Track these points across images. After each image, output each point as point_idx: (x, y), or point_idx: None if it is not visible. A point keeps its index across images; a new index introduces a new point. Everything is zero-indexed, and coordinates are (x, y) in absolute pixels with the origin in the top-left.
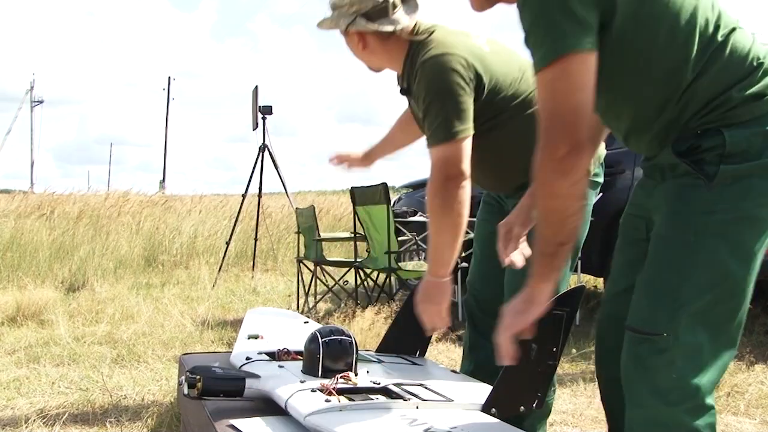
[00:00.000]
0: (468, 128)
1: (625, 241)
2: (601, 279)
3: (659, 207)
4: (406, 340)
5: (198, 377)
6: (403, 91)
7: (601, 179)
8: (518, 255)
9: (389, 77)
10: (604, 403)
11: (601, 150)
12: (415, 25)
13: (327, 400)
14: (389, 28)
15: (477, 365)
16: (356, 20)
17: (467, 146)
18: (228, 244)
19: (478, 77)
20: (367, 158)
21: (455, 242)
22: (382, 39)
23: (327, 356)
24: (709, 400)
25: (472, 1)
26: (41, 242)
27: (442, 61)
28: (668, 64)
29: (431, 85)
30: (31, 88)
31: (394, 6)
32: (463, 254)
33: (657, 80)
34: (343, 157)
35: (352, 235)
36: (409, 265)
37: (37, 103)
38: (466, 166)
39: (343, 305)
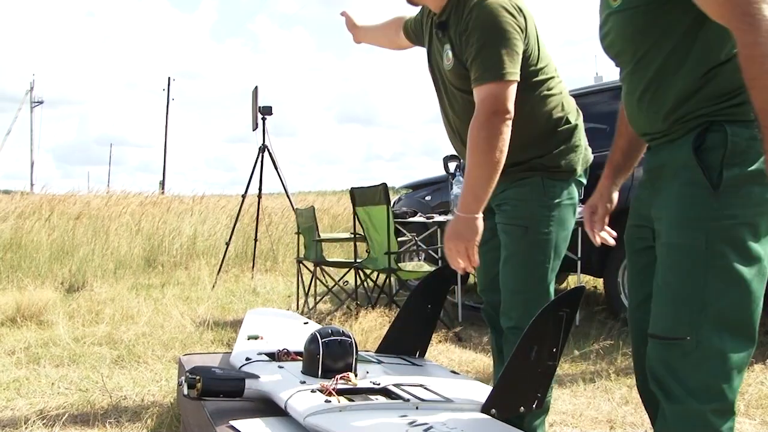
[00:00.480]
0: (517, 72)
1: (633, 251)
2: (601, 279)
3: (664, 214)
4: (406, 341)
5: (198, 378)
6: (439, 25)
7: (584, 181)
8: (607, 234)
9: (388, 77)
10: (646, 407)
11: (589, 155)
12: None
13: (327, 401)
14: None
15: None
16: None
17: (514, 89)
18: (228, 244)
19: (524, 31)
20: (356, 33)
21: (492, 179)
22: None
23: (327, 357)
24: (733, 405)
25: None
26: (41, 243)
27: (499, 3)
28: (713, 37)
29: (488, 25)
30: (31, 88)
31: None
32: None
33: (699, 46)
34: (347, 17)
35: (352, 235)
36: (408, 265)
37: (37, 104)
38: (512, 106)
39: (343, 306)
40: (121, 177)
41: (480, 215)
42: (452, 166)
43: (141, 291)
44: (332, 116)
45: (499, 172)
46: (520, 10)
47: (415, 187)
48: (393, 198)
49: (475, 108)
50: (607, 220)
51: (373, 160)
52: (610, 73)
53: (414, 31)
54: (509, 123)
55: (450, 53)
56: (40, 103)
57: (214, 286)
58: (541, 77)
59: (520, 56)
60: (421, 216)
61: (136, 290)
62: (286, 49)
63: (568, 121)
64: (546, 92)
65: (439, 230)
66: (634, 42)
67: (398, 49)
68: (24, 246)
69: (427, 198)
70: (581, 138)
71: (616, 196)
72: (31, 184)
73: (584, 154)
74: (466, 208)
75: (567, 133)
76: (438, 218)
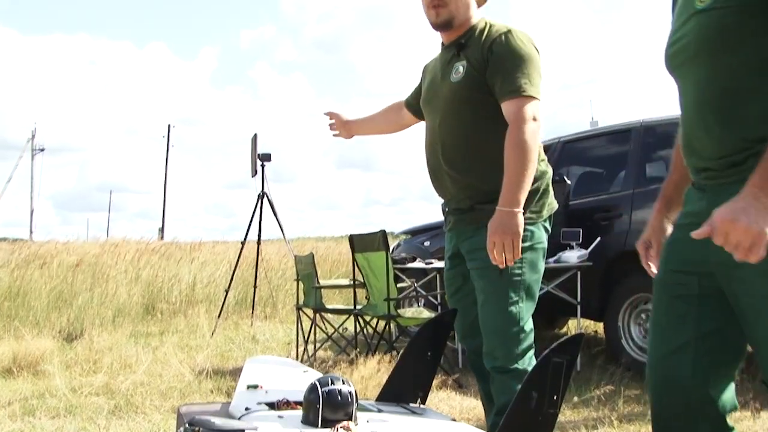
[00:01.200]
0: (541, 94)
1: (671, 296)
2: (602, 324)
3: (731, 262)
4: (406, 388)
5: (197, 429)
6: (458, 45)
7: (549, 227)
8: None
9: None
10: None
11: (554, 204)
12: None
13: None
14: None
15: (499, 413)
16: None
17: (540, 106)
18: (227, 291)
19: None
20: (348, 128)
21: (531, 175)
22: None
23: (326, 406)
24: None
25: None
26: (39, 291)
27: (528, 36)
28: None
29: (523, 50)
30: (33, 136)
31: None
32: None
33: None
34: (333, 115)
35: (352, 282)
36: (408, 311)
37: (38, 152)
38: (540, 116)
39: (343, 353)
40: (120, 223)
41: (521, 210)
42: None
43: (139, 339)
44: (331, 162)
45: (535, 169)
46: (538, 48)
47: (414, 232)
48: (392, 244)
49: (461, 122)
50: None
51: (372, 205)
52: (605, 118)
53: (414, 98)
54: (540, 131)
55: (461, 68)
56: (42, 150)
57: (213, 334)
58: None
59: (542, 82)
60: (420, 262)
61: (134, 338)
62: (285, 95)
63: (539, 165)
64: None
65: (438, 276)
66: (715, 43)
67: (398, 130)
68: (22, 294)
69: (426, 243)
70: (548, 186)
71: (670, 228)
72: (30, 232)
73: (549, 201)
74: (509, 203)
75: (538, 176)
76: (437, 264)
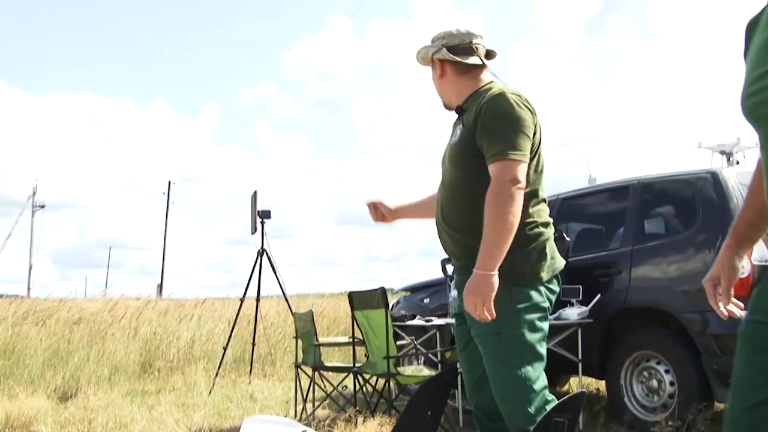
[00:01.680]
0: (527, 155)
1: (754, 349)
2: (603, 381)
3: None
4: None
5: None
6: (457, 109)
7: (555, 288)
8: (734, 307)
9: (386, 179)
10: None
11: (558, 264)
12: (485, 68)
13: None
14: (466, 60)
15: None
16: (441, 50)
17: (525, 168)
18: (225, 349)
19: (534, 125)
20: (393, 215)
21: (507, 240)
22: (458, 72)
23: None
24: None
25: None
26: (35, 349)
27: (521, 96)
28: None
29: (505, 112)
30: (34, 193)
31: (476, 48)
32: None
33: None
34: (378, 205)
35: (351, 339)
36: (408, 369)
37: (38, 208)
38: (523, 178)
39: (342, 411)
40: (119, 280)
41: (495, 273)
42: (450, 268)
43: (136, 397)
44: (330, 218)
45: (513, 233)
46: (532, 108)
47: (413, 289)
48: (391, 301)
49: (456, 182)
50: (732, 291)
51: (371, 261)
52: (603, 175)
53: None
54: (521, 192)
55: (459, 132)
56: (42, 207)
57: (210, 392)
58: (539, 183)
59: (530, 143)
60: (419, 319)
61: (130, 397)
62: (285, 152)
63: (537, 226)
64: (532, 188)
65: (438, 333)
66: None
67: None
68: (17, 352)
69: (426, 301)
70: (548, 247)
71: (740, 266)
72: (28, 288)
73: (551, 262)
74: (483, 266)
75: (533, 238)
76: (437, 321)
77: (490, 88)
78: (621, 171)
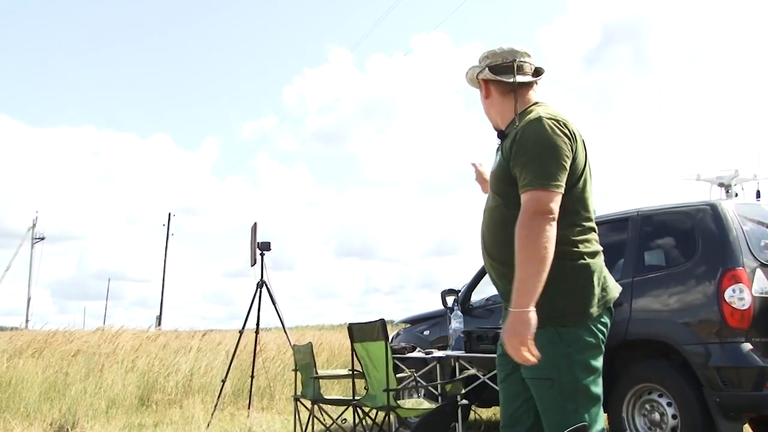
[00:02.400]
0: (562, 184)
1: None
2: (605, 414)
3: None
4: None
5: None
6: (499, 134)
7: (608, 321)
8: None
9: (386, 211)
10: None
11: (612, 294)
12: (531, 87)
13: None
14: (508, 80)
15: None
16: (484, 70)
17: (559, 198)
18: (224, 381)
19: (574, 153)
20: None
21: (540, 274)
22: (502, 92)
23: None
24: None
25: None
26: (32, 381)
27: (559, 122)
28: None
29: (541, 138)
30: (34, 225)
31: (519, 68)
32: (463, 391)
33: None
34: (478, 169)
35: (350, 372)
36: (408, 402)
37: (38, 240)
38: (556, 208)
39: None
40: (118, 312)
41: (532, 308)
42: (450, 300)
43: (133, 431)
44: (330, 250)
45: (547, 268)
46: (570, 133)
47: (413, 321)
48: (391, 333)
49: (495, 211)
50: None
51: (371, 293)
52: (602, 207)
53: None
54: (553, 223)
55: (497, 158)
56: (42, 239)
57: (209, 425)
58: (583, 206)
59: (567, 171)
60: (419, 351)
61: (127, 430)
62: (285, 184)
63: (582, 257)
64: (575, 217)
65: (438, 366)
66: None
67: None
68: (14, 384)
69: (426, 333)
70: (596, 279)
71: None
72: (27, 320)
73: (601, 296)
74: (517, 303)
75: (577, 271)
76: (437, 353)
77: (530, 111)
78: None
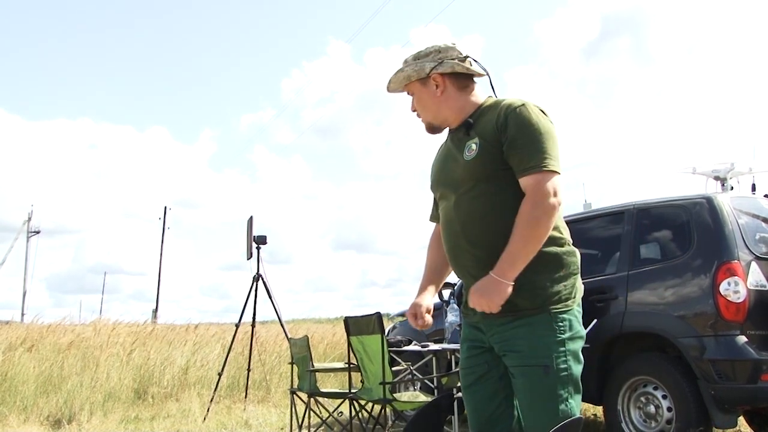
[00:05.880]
0: (561, 168)
1: None
2: (600, 408)
3: None
4: None
5: None
6: (466, 124)
7: (581, 311)
8: None
9: (383, 204)
10: None
11: (581, 286)
12: (475, 84)
13: None
14: (471, 72)
15: None
16: (444, 63)
17: (562, 181)
18: (220, 374)
19: None
20: (426, 300)
21: (532, 253)
22: (460, 87)
23: None
24: None
25: None
26: (28, 375)
27: (538, 108)
28: None
29: (540, 123)
30: (29, 218)
31: (471, 63)
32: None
33: None
34: (419, 315)
35: (347, 365)
36: (404, 396)
37: (33, 234)
38: (561, 191)
39: None
40: (114, 305)
41: (511, 284)
42: (446, 293)
43: (129, 424)
44: (327, 243)
45: (538, 248)
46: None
47: None
48: (387, 326)
49: (483, 197)
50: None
51: (368, 286)
52: (598, 200)
53: (437, 211)
54: (558, 207)
55: (474, 146)
56: (37, 233)
57: (205, 419)
58: None
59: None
60: (416, 344)
61: (124, 424)
62: (282, 177)
63: (569, 244)
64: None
65: (434, 359)
66: None
67: None
68: (9, 378)
69: None
70: (578, 267)
71: None
72: (22, 314)
73: (580, 284)
74: (502, 273)
75: (568, 257)
76: (433, 347)
77: (502, 100)
78: (616, 196)
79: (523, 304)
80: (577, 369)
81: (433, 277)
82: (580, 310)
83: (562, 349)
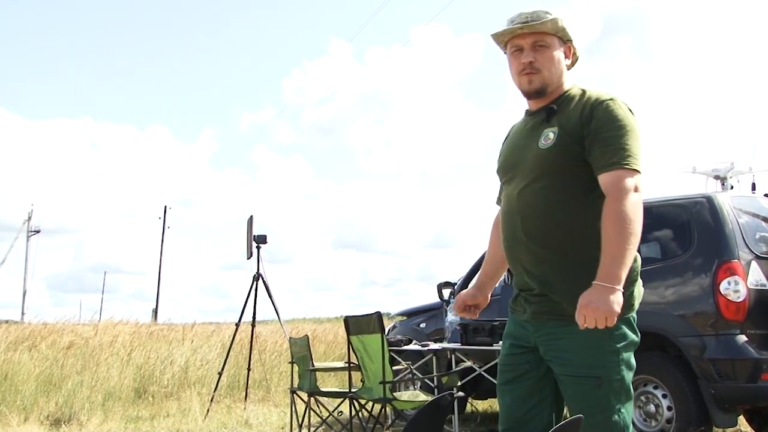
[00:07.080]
0: (642, 168)
1: None
2: None
3: None
4: None
5: None
6: (548, 110)
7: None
8: None
9: (383, 204)
10: None
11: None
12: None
13: None
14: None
15: None
16: (569, 27)
17: (643, 181)
18: (221, 374)
19: None
20: (483, 293)
21: (634, 250)
22: (569, 67)
23: None
24: None
25: None
26: (28, 375)
27: (627, 106)
28: None
29: (626, 119)
30: (29, 218)
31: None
32: (459, 383)
33: None
34: (467, 306)
35: (347, 364)
36: (404, 395)
37: (33, 233)
38: (643, 190)
39: None
40: (114, 304)
41: (621, 288)
42: (446, 292)
43: (130, 424)
44: (328, 243)
45: (636, 245)
46: None
47: (410, 314)
48: (387, 325)
49: (551, 190)
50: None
51: (368, 286)
52: None
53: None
54: (642, 204)
55: (552, 135)
56: (37, 232)
57: (205, 418)
58: None
59: None
60: (416, 344)
61: (125, 423)
62: (283, 176)
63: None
64: None
65: (434, 358)
66: None
67: None
68: (10, 378)
69: (422, 325)
70: (638, 271)
71: None
72: (22, 314)
73: (640, 288)
74: (609, 278)
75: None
76: (433, 346)
77: (589, 91)
78: None
79: (572, 308)
80: (629, 376)
81: (491, 271)
82: (635, 316)
83: (616, 359)
